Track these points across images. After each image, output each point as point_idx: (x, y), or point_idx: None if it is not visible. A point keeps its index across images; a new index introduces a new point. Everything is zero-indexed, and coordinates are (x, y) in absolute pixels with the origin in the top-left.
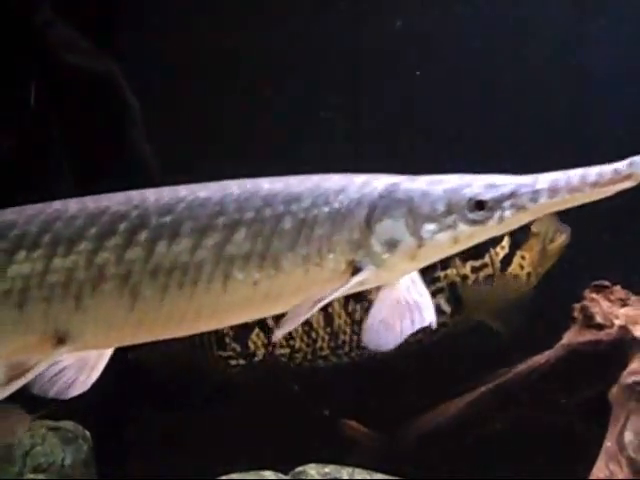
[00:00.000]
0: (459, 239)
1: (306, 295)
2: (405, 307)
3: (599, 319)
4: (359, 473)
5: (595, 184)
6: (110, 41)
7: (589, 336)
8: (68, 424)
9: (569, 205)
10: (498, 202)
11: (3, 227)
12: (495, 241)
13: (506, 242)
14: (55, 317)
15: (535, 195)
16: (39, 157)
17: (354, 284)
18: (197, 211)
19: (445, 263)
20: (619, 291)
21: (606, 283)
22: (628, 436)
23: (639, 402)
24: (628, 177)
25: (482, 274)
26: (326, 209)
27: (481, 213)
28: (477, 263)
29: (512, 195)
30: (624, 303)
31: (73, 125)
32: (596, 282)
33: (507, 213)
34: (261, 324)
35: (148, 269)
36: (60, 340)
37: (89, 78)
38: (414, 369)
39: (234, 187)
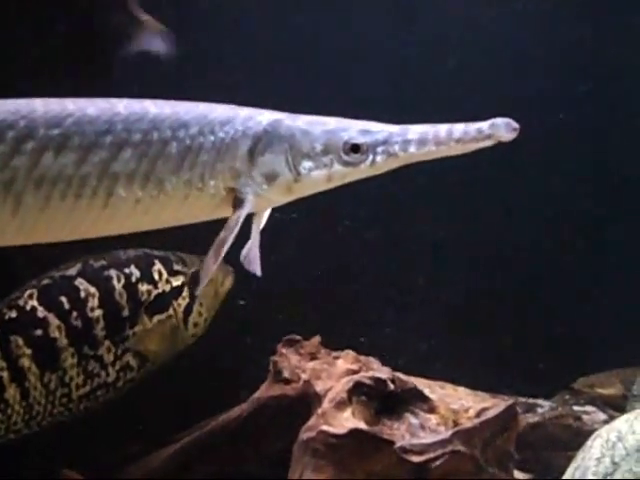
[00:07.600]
0: (333, 178)
1: (185, 217)
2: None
3: (286, 374)
4: None
5: (459, 140)
6: None
7: (277, 390)
8: None
9: (435, 156)
10: (372, 147)
11: None
12: (178, 293)
13: (186, 292)
14: None
15: (405, 144)
16: None
17: (243, 216)
18: (85, 127)
19: (133, 321)
20: (310, 345)
21: (297, 337)
22: None
23: (313, 457)
24: (489, 137)
25: (168, 325)
26: (212, 138)
27: (355, 156)
28: (162, 316)
29: (385, 142)
30: (313, 357)
31: None
32: (287, 336)
33: (379, 158)
34: None
35: (32, 178)
36: None
37: None
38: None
39: (121, 107)
